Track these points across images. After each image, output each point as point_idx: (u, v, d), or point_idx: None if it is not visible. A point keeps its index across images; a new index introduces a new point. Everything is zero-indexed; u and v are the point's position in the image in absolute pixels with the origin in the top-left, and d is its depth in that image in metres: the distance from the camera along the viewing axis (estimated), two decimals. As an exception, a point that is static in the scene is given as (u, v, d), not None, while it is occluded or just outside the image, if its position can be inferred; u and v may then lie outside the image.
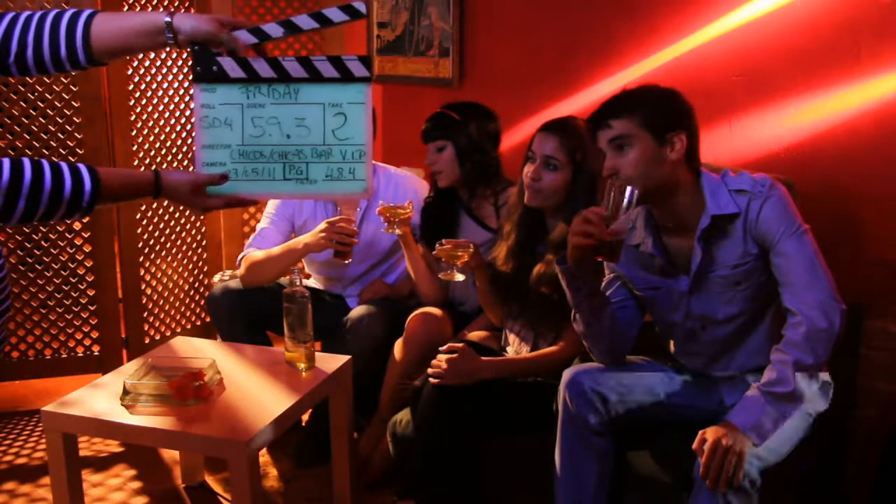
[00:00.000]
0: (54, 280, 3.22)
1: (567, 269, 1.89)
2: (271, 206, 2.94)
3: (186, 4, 3.34)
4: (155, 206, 3.34)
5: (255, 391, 2.18)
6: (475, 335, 2.51)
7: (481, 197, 2.65)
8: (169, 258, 3.43)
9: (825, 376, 1.90)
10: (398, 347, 2.55)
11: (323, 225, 2.61)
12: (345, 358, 2.38)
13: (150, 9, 3.22)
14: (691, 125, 1.86)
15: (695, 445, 1.72)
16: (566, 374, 1.97)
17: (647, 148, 1.81)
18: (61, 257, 3.22)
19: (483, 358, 2.17)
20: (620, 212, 1.73)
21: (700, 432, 1.72)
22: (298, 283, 2.27)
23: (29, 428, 3.06)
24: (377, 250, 2.88)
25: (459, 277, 2.34)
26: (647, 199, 1.87)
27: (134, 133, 3.23)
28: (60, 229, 3.20)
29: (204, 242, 3.57)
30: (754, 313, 1.91)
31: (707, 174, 1.87)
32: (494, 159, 2.64)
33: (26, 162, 1.37)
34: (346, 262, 2.64)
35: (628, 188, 1.73)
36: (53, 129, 3.13)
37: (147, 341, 3.35)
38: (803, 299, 1.74)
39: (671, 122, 1.82)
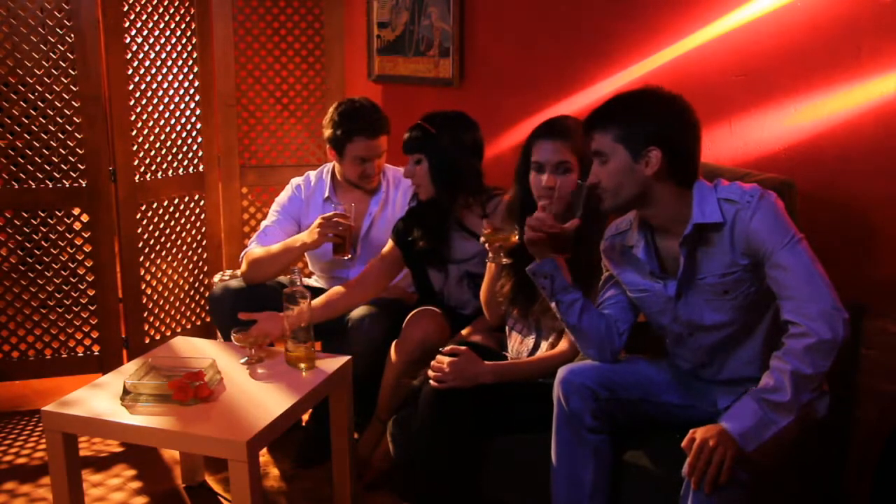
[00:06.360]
0: (54, 280, 3.22)
1: (529, 269, 2.01)
2: (277, 203, 2.94)
3: (186, 4, 3.34)
4: (155, 205, 3.34)
5: (255, 391, 2.18)
6: (476, 336, 2.50)
7: (465, 206, 2.58)
8: (169, 258, 3.43)
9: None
10: (394, 348, 2.54)
11: (318, 220, 2.60)
12: (345, 358, 2.38)
13: (149, 9, 3.22)
14: (675, 140, 1.82)
15: (683, 443, 1.72)
16: (560, 372, 1.97)
17: (622, 162, 1.83)
18: (61, 257, 3.22)
19: (485, 362, 2.16)
20: (571, 209, 1.92)
21: (691, 431, 1.72)
22: (299, 283, 2.27)
23: (29, 428, 3.06)
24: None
25: (506, 261, 2.22)
26: (624, 209, 1.92)
27: (134, 133, 3.23)
28: (60, 229, 3.20)
29: (204, 242, 3.57)
30: (744, 324, 1.88)
31: (700, 182, 1.84)
32: (474, 170, 2.56)
33: None
34: (346, 257, 2.64)
35: (577, 186, 1.90)
36: (53, 129, 3.12)
37: (147, 341, 3.35)
38: (806, 311, 1.69)
39: (646, 138, 1.80)
